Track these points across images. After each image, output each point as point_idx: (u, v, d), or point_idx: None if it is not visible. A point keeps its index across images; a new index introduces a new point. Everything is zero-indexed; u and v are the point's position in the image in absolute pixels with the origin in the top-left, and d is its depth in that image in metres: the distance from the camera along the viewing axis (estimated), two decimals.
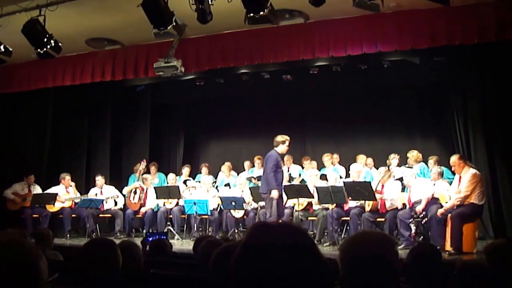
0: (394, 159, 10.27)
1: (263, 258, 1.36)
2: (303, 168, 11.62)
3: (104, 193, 11.38)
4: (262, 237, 1.42)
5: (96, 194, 11.31)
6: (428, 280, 3.43)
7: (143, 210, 11.13)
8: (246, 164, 12.23)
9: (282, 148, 8.86)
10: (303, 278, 1.36)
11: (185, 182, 11.64)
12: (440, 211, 8.23)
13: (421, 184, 8.92)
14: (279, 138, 8.89)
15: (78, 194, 11.39)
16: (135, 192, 11.30)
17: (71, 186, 11.42)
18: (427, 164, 10.04)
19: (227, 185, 11.78)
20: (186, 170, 12.08)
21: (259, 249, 1.39)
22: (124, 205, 11.42)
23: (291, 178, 10.91)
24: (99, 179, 11.49)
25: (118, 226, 10.95)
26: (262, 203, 10.35)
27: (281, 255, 1.36)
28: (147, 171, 12.16)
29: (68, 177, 11.33)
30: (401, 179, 9.78)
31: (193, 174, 11.95)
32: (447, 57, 10.23)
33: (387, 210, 9.09)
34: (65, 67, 10.55)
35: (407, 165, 10.26)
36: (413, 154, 10.13)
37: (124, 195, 11.51)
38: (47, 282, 2.07)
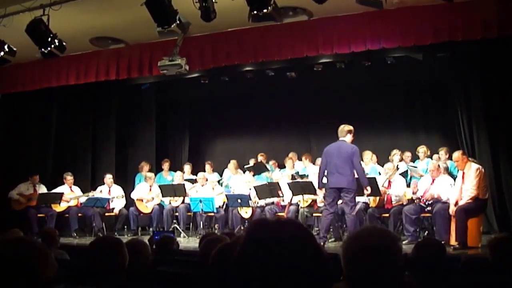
0: (395, 155, 10.28)
1: (264, 252, 1.38)
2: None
3: (112, 192, 11.41)
4: (263, 232, 1.44)
5: (101, 191, 11.34)
6: (432, 274, 3.45)
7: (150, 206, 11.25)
8: (251, 162, 12.22)
9: (349, 138, 8.40)
10: (304, 270, 1.38)
11: (188, 180, 11.66)
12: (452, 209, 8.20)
13: (448, 182, 8.77)
14: (346, 127, 8.38)
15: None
16: (152, 199, 11.38)
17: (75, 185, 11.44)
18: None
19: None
20: (187, 168, 12.11)
21: (259, 243, 1.41)
22: (126, 204, 11.50)
23: (294, 176, 10.88)
24: (110, 177, 11.52)
25: (125, 225, 11.00)
26: (267, 201, 10.38)
27: (281, 248, 1.38)
28: (160, 169, 12.33)
29: (69, 177, 11.30)
30: (405, 174, 9.78)
31: (196, 172, 11.96)
32: (450, 53, 10.22)
33: (393, 205, 9.09)
34: (69, 66, 10.55)
35: (413, 163, 10.32)
36: (424, 150, 10.21)
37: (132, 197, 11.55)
38: (55, 280, 2.09)
